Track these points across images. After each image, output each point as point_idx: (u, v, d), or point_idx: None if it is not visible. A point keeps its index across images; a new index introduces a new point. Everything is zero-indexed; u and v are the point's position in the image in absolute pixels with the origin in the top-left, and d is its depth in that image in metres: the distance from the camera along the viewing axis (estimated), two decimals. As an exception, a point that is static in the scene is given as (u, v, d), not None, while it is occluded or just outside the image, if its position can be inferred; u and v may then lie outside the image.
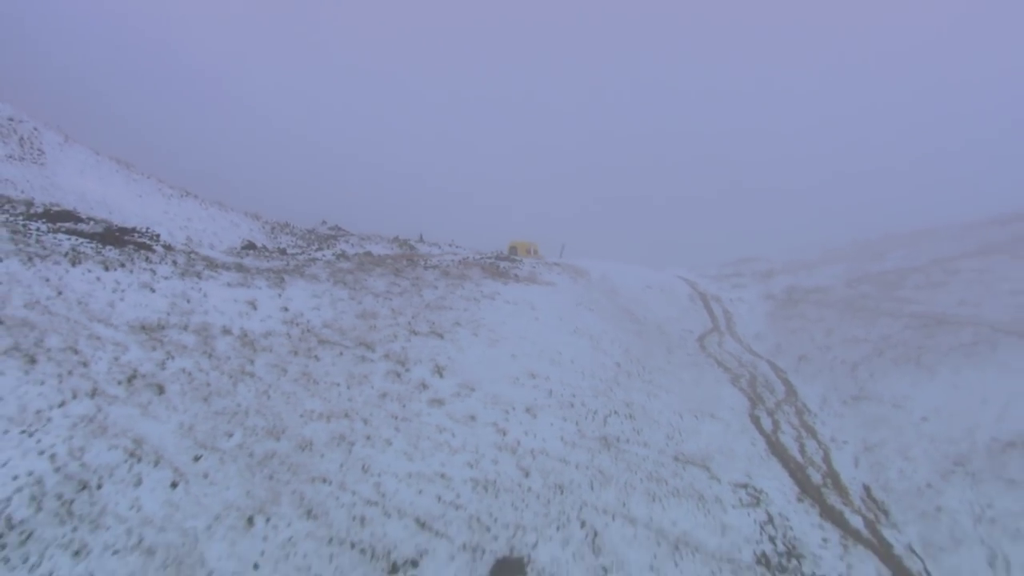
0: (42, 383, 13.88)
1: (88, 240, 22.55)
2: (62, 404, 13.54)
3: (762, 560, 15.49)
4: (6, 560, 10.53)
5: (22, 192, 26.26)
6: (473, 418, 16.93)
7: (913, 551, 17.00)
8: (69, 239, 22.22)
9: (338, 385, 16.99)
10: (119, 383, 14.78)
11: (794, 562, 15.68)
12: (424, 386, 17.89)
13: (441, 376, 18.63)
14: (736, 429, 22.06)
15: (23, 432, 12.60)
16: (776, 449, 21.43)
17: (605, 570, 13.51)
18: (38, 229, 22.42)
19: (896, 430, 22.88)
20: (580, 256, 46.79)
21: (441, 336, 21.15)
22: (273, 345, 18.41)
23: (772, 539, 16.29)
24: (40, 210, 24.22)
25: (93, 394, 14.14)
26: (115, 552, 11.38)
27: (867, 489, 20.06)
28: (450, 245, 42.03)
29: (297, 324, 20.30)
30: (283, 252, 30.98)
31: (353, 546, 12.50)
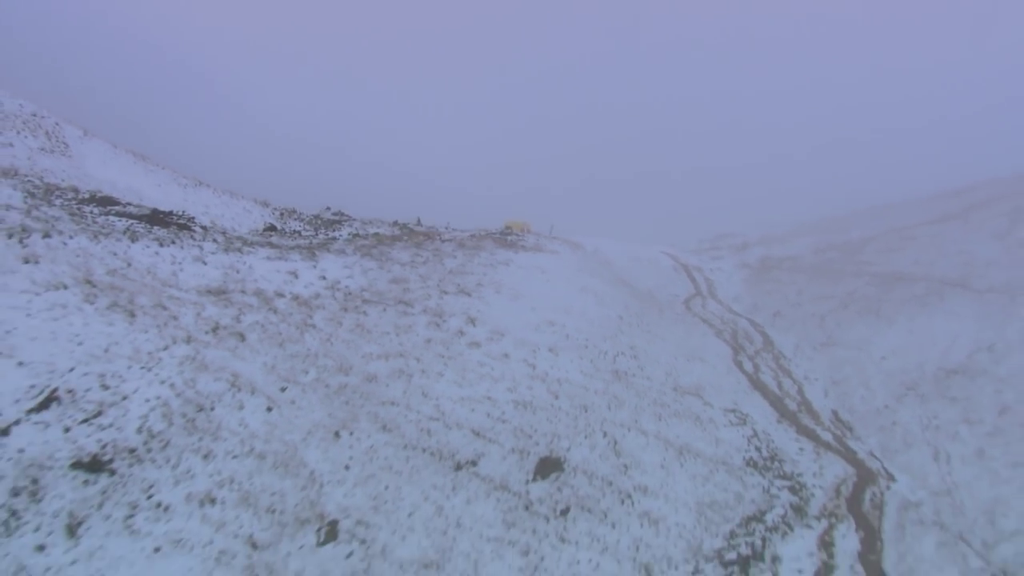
0: (146, 331, 16.28)
1: (137, 221, 24.65)
2: (166, 347, 15.98)
3: (750, 463, 18.51)
4: (153, 460, 13.03)
5: (63, 180, 28.09)
6: (507, 356, 19.68)
7: (873, 455, 20.17)
8: (121, 220, 24.32)
9: (388, 333, 19.58)
10: (206, 332, 17.21)
11: (776, 464, 18.74)
12: (461, 333, 20.56)
13: (474, 325, 21.29)
14: (722, 370, 25.12)
15: (143, 368, 15.02)
16: (757, 385, 24.54)
17: (625, 467, 16.39)
18: (91, 212, 24.46)
19: (859, 367, 26.13)
20: (569, 233, 49.58)
21: (468, 294, 23.76)
22: (324, 304, 20.90)
23: (758, 448, 19.33)
24: (87, 196, 26.14)
25: (188, 340, 16.58)
26: (234, 456, 13.93)
27: (835, 413, 23.25)
28: (446, 227, 44.41)
29: (338, 289, 22.77)
30: (300, 234, 33.22)
31: (424, 450, 15.20)
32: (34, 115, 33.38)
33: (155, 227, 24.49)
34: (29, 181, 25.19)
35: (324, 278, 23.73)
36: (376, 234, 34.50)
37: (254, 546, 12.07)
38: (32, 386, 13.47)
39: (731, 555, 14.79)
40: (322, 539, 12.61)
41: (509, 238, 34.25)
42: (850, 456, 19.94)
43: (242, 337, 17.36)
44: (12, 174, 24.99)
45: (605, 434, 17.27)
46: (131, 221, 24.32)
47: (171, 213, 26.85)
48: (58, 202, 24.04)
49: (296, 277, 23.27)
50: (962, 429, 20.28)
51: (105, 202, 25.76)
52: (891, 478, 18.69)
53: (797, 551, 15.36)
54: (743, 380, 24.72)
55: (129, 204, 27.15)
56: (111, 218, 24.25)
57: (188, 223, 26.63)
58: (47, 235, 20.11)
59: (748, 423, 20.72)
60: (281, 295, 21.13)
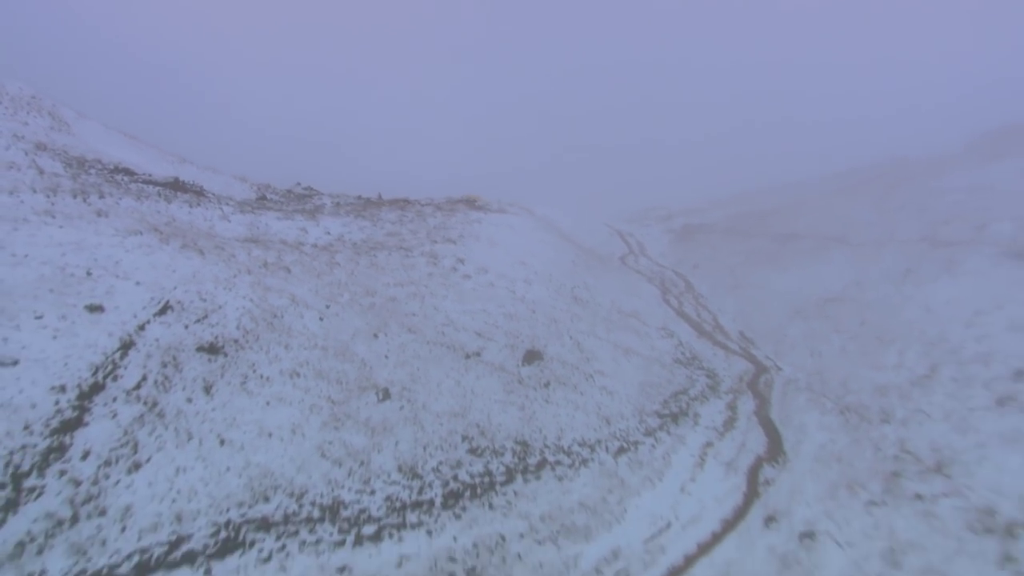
0: (216, 264, 20.54)
1: (162, 188, 28.26)
2: (236, 276, 20.29)
3: (677, 360, 24.26)
4: (251, 347, 17.50)
5: (83, 154, 31.06)
6: (492, 284, 24.75)
7: (768, 357, 26.29)
8: (148, 187, 27.91)
9: (397, 270, 24.28)
10: (260, 267, 21.58)
11: (696, 362, 24.56)
12: (455, 269, 25.44)
13: (464, 264, 26.16)
14: (654, 303, 30.97)
15: (225, 288, 19.33)
16: (681, 314, 30.49)
17: (587, 359, 21.80)
18: (123, 180, 27.92)
19: (759, 301, 32.47)
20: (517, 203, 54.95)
21: (454, 243, 28.55)
22: (340, 249, 25.38)
23: (682, 352, 25.13)
24: (111, 167, 29.33)
25: (249, 272, 20.92)
26: (305, 348, 18.50)
27: (741, 332, 29.40)
28: (406, 200, 48.66)
29: (344, 240, 27.20)
30: (286, 203, 37.03)
31: (441, 345, 20.14)
32: (34, 97, 35.93)
33: (177, 192, 28.21)
34: (59, 154, 28.43)
35: (329, 233, 28.11)
36: (360, 197, 38.72)
37: (333, 402, 16.79)
38: (151, 298, 17.69)
39: (665, 412, 20.41)
40: (380, 398, 17.42)
41: (478, 203, 39.21)
42: (751, 358, 26.00)
43: (288, 270, 21.80)
44: (44, 148, 28.15)
45: (571, 337, 22.66)
46: (157, 187, 27.99)
47: (185, 182, 30.51)
48: (92, 171, 27.46)
49: (306, 232, 27.58)
50: (832, 336, 26.63)
51: (127, 172, 29.24)
52: (779, 369, 24.81)
53: (711, 411, 21.13)
54: (670, 311, 30.64)
55: (149, 174, 30.65)
56: (140, 184, 27.86)
57: (201, 191, 30.37)
58: (101, 196, 23.85)
59: (675, 337, 26.55)
60: (302, 244, 25.49)
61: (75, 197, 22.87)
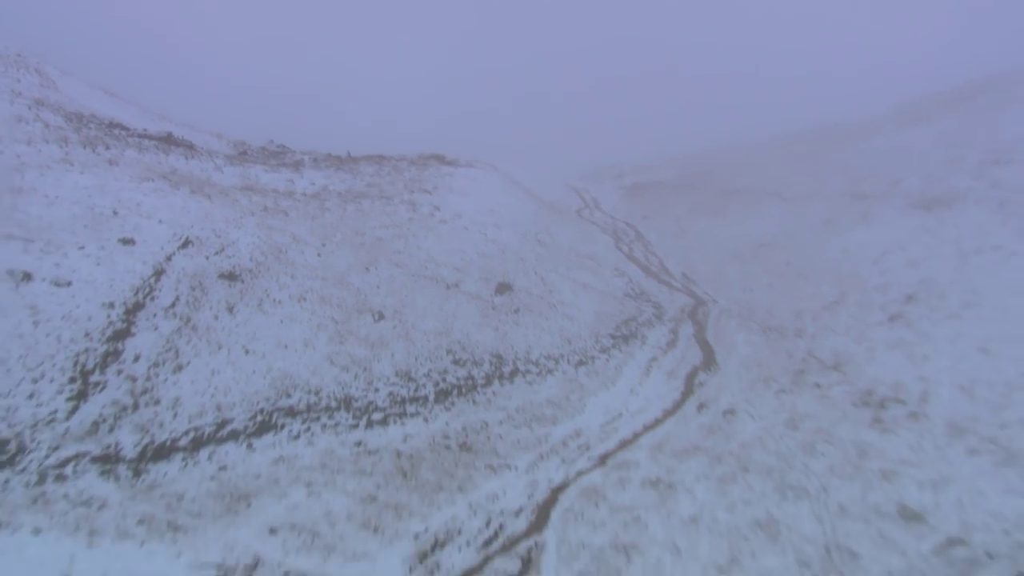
0: (223, 208, 22.70)
1: (158, 141, 29.86)
2: (242, 217, 22.51)
3: (628, 295, 27.46)
4: (263, 276, 19.90)
5: (77, 110, 32.19)
6: (466, 228, 27.44)
7: (707, 294, 29.71)
8: (145, 141, 29.48)
9: (381, 215, 26.71)
10: (261, 210, 23.79)
11: (644, 296, 27.81)
12: (432, 215, 27.98)
13: (440, 210, 28.71)
14: (607, 249, 34.12)
15: (235, 227, 21.55)
16: (632, 258, 33.73)
17: (551, 291, 24.78)
18: (120, 134, 29.40)
19: (702, 248, 35.92)
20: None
21: (429, 192, 30.97)
22: (327, 197, 27.64)
23: (633, 288, 28.33)
24: (107, 122, 30.65)
25: (252, 214, 23.14)
26: (308, 278, 20.97)
27: (684, 274, 32.81)
28: (381, 156, 50.50)
29: (329, 190, 29.40)
30: (268, 158, 38.74)
31: (425, 277, 22.83)
32: (19, 55, 36.51)
33: (170, 146, 29.88)
34: (57, 109, 29.71)
35: (314, 184, 30.25)
36: (331, 155, 40.59)
37: (336, 322, 19.39)
38: (174, 234, 19.90)
39: (617, 335, 23.60)
40: (376, 319, 20.09)
41: (448, 158, 41.49)
42: (692, 294, 29.39)
43: (286, 214, 24.07)
44: (42, 103, 29.38)
45: (536, 273, 25.61)
46: (153, 141, 29.61)
47: (178, 137, 32.09)
48: (92, 126, 28.91)
49: (294, 183, 29.67)
50: (762, 275, 30.16)
51: (121, 127, 30.70)
52: (716, 302, 28.25)
53: (656, 334, 24.41)
54: (621, 255, 33.86)
55: (144, 129, 32.15)
56: (137, 139, 29.43)
57: (192, 145, 32.02)
58: (107, 147, 25.56)
59: (626, 276, 29.77)
60: (292, 192, 27.67)
61: (85, 148, 24.56)
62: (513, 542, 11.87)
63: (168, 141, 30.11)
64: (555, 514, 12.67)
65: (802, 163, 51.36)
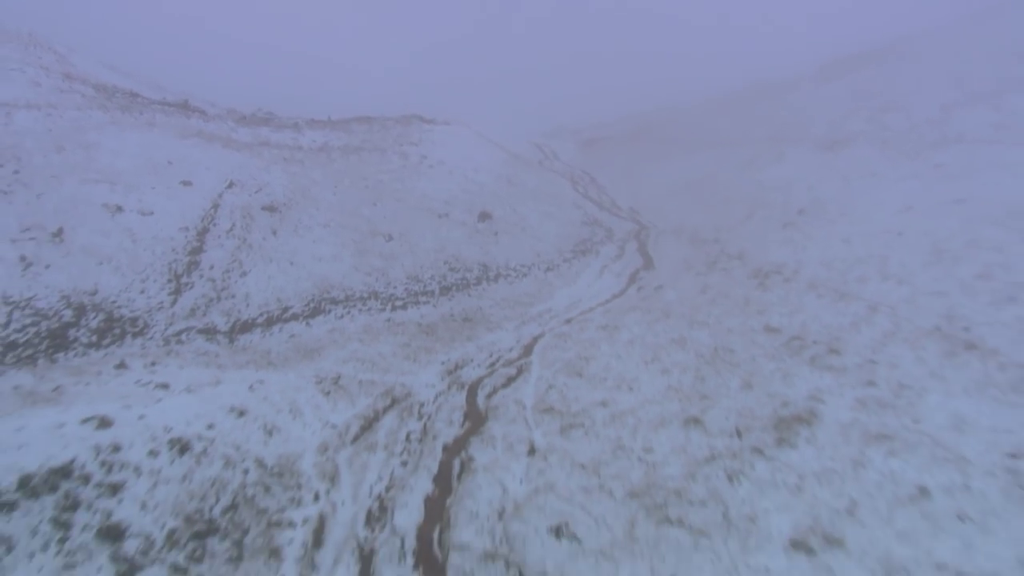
0: (252, 158, 26.80)
1: (177, 108, 33.44)
2: (268, 165, 26.65)
3: (584, 223, 32.47)
4: (294, 209, 24.26)
5: (100, 82, 35.33)
6: (451, 172, 31.99)
7: (650, 221, 34.91)
8: (166, 107, 33.04)
9: (378, 163, 31.04)
10: (283, 160, 27.94)
11: (597, 223, 32.87)
12: (420, 163, 32.39)
13: (427, 159, 33.12)
14: (567, 190, 39.03)
15: (266, 172, 25.74)
16: (587, 197, 38.72)
17: (522, 218, 29.61)
18: (143, 101, 32.89)
19: (647, 187, 41.08)
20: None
21: (416, 145, 35.27)
22: (331, 149, 31.80)
23: (588, 218, 33.35)
24: (127, 91, 33.94)
25: (276, 163, 27.28)
26: (328, 212, 25.33)
27: (631, 208, 37.95)
28: (369, 117, 54.32)
29: (330, 145, 33.51)
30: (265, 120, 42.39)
31: (421, 209, 27.41)
32: (31, 34, 39.17)
33: (187, 111, 33.52)
34: (84, 81, 33.02)
35: (316, 141, 34.29)
36: (314, 120, 44.30)
37: (355, 242, 23.91)
38: (220, 177, 24.05)
39: (577, 250, 28.61)
40: (387, 240, 24.66)
41: (427, 117, 45.71)
42: (637, 222, 34.55)
43: (302, 163, 28.28)
44: (70, 77, 32.66)
45: (510, 206, 30.40)
46: (173, 107, 33.22)
47: (192, 104, 35.62)
48: (118, 95, 32.37)
49: (299, 140, 33.68)
50: (693, 204, 35.41)
51: (140, 96, 34.16)
52: (655, 226, 33.47)
53: (608, 249, 29.47)
54: (578, 195, 38.84)
55: (163, 97, 35.56)
56: (159, 105, 32.99)
57: (204, 111, 35.60)
58: (140, 112, 29.24)
59: (582, 209, 34.76)
60: (300, 147, 31.76)
61: (123, 112, 28.24)
62: (510, 362, 16.86)
63: (185, 107, 33.70)
64: (537, 347, 17.69)
65: (732, 117, 56.75)
